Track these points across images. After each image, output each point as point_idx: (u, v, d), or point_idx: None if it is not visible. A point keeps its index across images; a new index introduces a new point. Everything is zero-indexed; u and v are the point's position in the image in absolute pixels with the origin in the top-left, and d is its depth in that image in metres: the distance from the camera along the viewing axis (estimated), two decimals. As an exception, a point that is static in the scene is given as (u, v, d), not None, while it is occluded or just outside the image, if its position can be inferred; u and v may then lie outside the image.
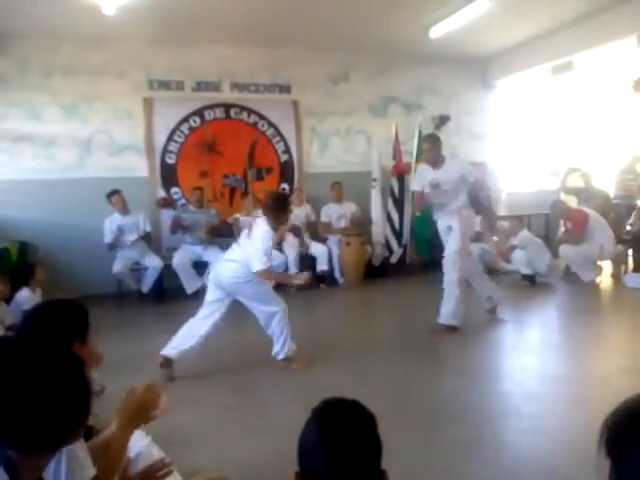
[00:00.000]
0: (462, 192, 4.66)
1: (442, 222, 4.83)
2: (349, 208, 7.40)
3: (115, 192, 6.26)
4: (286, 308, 3.91)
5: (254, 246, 3.72)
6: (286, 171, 7.66)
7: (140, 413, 1.59)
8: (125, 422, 1.56)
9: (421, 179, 4.85)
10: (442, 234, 4.87)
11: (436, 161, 4.68)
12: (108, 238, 6.20)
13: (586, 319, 5.09)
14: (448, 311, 4.65)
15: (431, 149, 4.69)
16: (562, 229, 7.39)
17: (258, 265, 3.66)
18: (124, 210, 6.29)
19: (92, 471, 1.44)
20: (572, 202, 7.35)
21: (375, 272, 7.29)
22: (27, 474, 1.13)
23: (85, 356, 1.76)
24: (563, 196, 7.76)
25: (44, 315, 1.76)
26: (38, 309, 1.85)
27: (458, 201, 4.67)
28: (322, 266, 6.90)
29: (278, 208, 3.85)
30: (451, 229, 4.69)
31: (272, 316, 3.87)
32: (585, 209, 6.64)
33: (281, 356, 3.93)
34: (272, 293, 3.99)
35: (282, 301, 3.94)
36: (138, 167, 6.96)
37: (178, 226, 6.51)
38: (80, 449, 1.44)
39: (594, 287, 6.36)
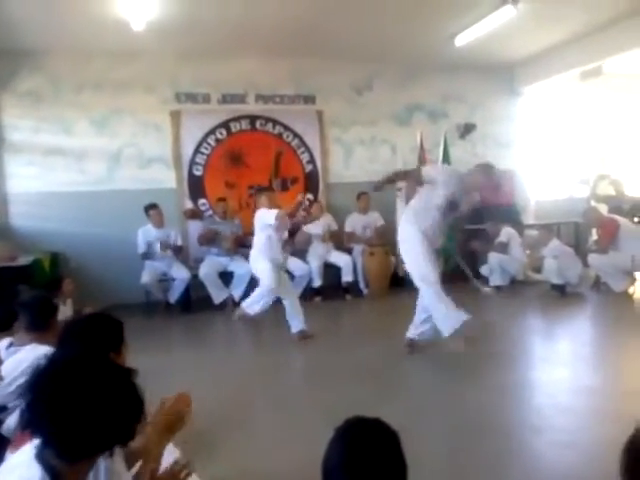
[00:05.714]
0: None
1: None
2: (374, 218, 7.35)
3: (153, 206, 6.35)
4: None
5: None
6: (311, 181, 7.68)
7: (172, 423, 1.66)
8: (159, 433, 1.62)
9: None
10: None
11: None
12: (142, 249, 6.29)
13: (618, 330, 4.95)
14: None
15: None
16: (594, 238, 7.21)
17: None
18: (159, 224, 6.37)
19: (129, 478, 1.46)
20: (602, 210, 7.19)
21: (400, 282, 7.21)
22: None
23: None
24: (593, 204, 7.60)
25: (83, 327, 1.86)
26: (78, 322, 1.94)
27: None
28: (347, 277, 6.86)
29: None
30: None
31: None
32: (618, 218, 6.48)
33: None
34: None
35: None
36: (166, 179, 7.07)
37: (211, 240, 6.57)
38: (118, 455, 1.46)
39: (626, 297, 6.19)
